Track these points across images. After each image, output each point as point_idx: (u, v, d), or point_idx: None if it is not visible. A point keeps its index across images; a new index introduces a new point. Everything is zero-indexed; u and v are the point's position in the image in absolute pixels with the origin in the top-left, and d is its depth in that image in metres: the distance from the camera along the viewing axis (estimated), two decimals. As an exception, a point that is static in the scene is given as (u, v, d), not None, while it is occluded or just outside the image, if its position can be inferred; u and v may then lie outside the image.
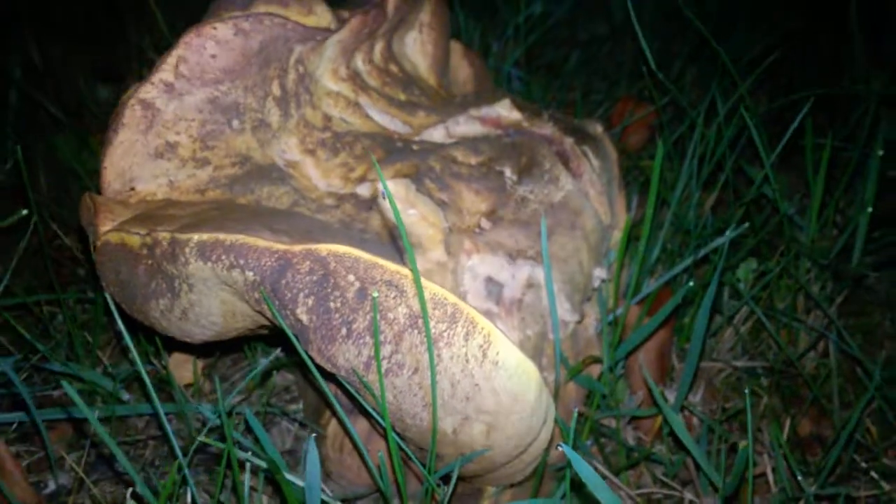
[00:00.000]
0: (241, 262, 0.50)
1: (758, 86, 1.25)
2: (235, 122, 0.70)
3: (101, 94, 1.47)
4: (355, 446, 0.66)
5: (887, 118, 0.93)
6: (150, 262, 0.55)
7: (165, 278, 0.55)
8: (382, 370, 0.50)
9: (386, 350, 0.50)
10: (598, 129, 0.82)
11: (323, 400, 0.70)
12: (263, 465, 0.60)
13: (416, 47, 0.94)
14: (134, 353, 0.57)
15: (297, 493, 0.55)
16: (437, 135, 0.80)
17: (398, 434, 0.57)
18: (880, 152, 0.80)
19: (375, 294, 0.47)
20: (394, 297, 0.49)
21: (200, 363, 0.87)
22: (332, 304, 0.49)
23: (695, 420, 0.80)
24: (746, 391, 0.60)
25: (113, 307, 0.59)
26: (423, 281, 0.48)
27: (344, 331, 0.50)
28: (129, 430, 0.83)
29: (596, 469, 0.73)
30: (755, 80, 0.85)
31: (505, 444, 0.54)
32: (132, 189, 0.68)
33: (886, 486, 0.72)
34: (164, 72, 0.65)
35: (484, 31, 1.42)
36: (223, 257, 0.50)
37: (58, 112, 1.24)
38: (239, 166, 0.71)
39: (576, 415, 0.59)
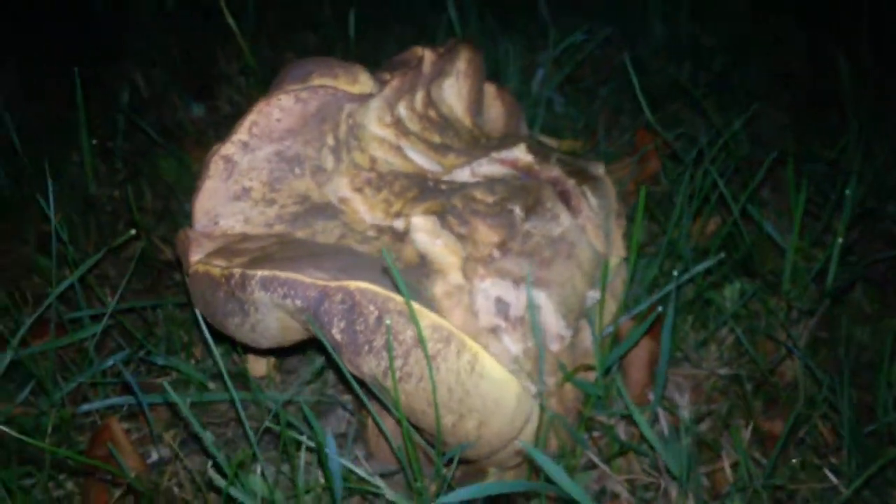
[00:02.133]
0: (292, 293, 0.65)
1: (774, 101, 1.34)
2: (297, 170, 0.86)
3: (195, 111, 1.65)
4: (383, 434, 0.81)
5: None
6: (227, 289, 0.70)
7: (237, 302, 0.70)
8: (396, 378, 0.65)
9: (398, 363, 0.64)
10: (599, 170, 0.94)
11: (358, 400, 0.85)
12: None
13: (453, 92, 1.07)
14: (216, 353, 0.73)
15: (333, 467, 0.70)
16: (463, 175, 0.94)
17: (413, 425, 0.71)
18: (847, 192, 0.90)
19: (389, 322, 0.62)
20: (403, 323, 0.63)
21: (272, 360, 1.03)
22: (357, 328, 0.64)
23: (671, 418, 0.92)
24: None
25: (201, 320, 0.75)
26: (423, 311, 0.63)
27: (367, 347, 0.64)
28: (215, 414, 1.00)
29: (590, 457, 0.86)
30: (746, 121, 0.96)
31: (493, 437, 0.68)
32: (216, 224, 0.84)
33: (835, 481, 0.83)
34: (241, 133, 0.80)
35: (525, 58, 1.54)
36: (279, 289, 0.66)
37: (158, 136, 1.42)
38: (299, 205, 0.86)
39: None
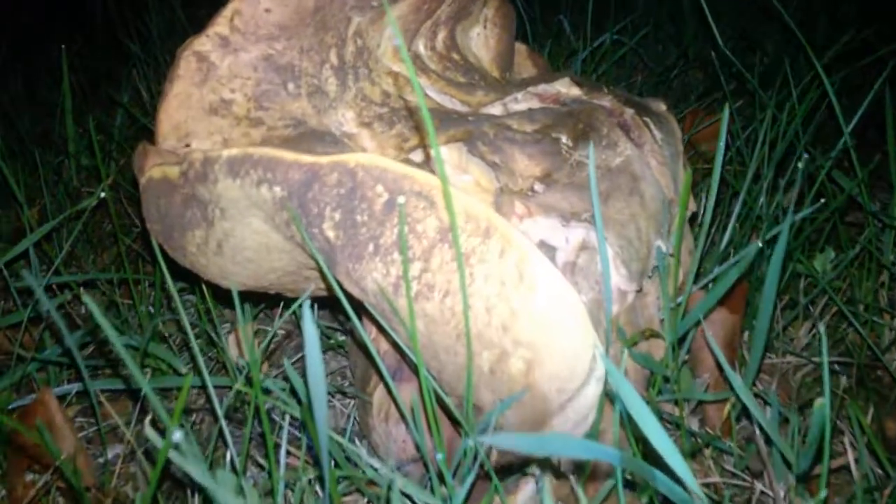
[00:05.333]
0: (269, 175, 0.45)
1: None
2: (291, 86, 0.67)
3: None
4: (397, 407, 0.60)
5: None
6: (185, 190, 0.51)
7: (199, 205, 0.50)
8: (412, 293, 0.44)
9: (415, 268, 0.44)
10: (661, 106, 0.75)
11: (368, 358, 0.64)
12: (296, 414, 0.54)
13: (480, 41, 0.89)
14: (173, 290, 0.53)
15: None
16: (494, 112, 0.75)
17: (435, 380, 0.50)
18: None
19: (402, 200, 0.42)
20: (423, 209, 0.43)
21: (258, 344, 0.82)
22: (358, 218, 0.44)
23: (768, 411, 0.70)
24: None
25: (155, 247, 0.55)
26: (455, 192, 0.42)
27: (371, 247, 0.44)
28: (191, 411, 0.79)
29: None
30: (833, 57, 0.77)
31: (547, 384, 0.46)
32: (187, 146, 0.64)
33: None
34: (219, 25, 0.62)
35: (552, 60, 1.38)
36: (251, 171, 0.46)
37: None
38: (293, 129, 0.67)
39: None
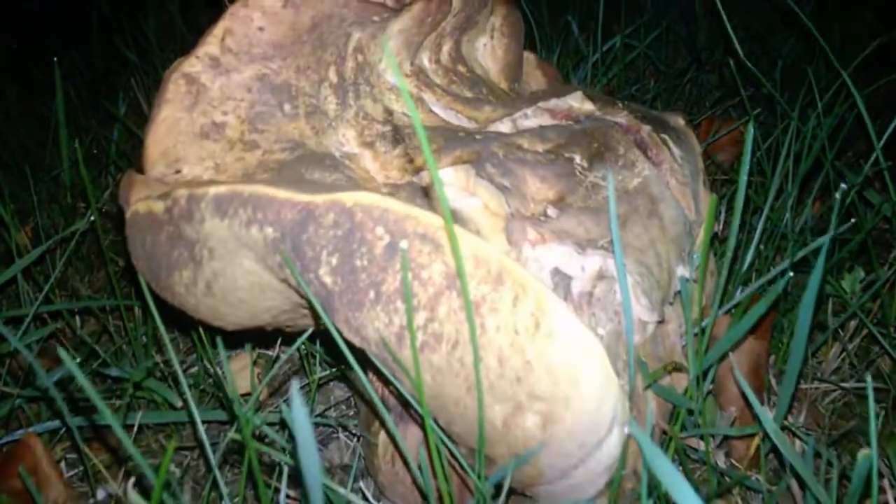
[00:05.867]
0: (260, 215, 0.41)
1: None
2: (287, 107, 0.63)
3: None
4: (401, 455, 0.56)
5: None
6: (171, 227, 0.47)
7: (186, 245, 0.46)
8: (417, 343, 0.40)
9: (420, 318, 0.40)
10: (679, 121, 0.71)
11: (370, 407, 0.60)
12: (291, 463, 0.50)
13: (487, 52, 0.85)
14: (165, 338, 0.49)
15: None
16: (503, 129, 0.71)
17: (444, 431, 0.46)
18: None
19: (405, 245, 0.37)
20: (428, 253, 0.39)
21: (257, 370, 0.79)
22: (358, 263, 0.40)
23: (798, 444, 0.66)
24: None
25: (144, 287, 0.51)
26: (462, 233, 0.38)
27: (372, 294, 0.40)
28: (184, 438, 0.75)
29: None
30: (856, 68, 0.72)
31: (566, 440, 0.42)
32: (178, 172, 0.61)
33: None
34: (210, 45, 0.58)
35: (561, 63, 1.33)
36: (240, 211, 0.42)
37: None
38: (289, 152, 0.63)
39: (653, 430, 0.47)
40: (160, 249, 0.48)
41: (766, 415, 0.54)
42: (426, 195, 0.63)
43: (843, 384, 0.70)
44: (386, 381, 0.48)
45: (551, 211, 0.61)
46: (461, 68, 0.80)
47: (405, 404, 0.57)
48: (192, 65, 0.58)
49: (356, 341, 0.42)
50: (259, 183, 0.44)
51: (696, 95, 1.23)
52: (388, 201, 0.39)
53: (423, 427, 0.51)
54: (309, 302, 0.41)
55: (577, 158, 0.63)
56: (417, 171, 0.66)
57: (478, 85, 0.78)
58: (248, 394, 0.77)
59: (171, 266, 0.48)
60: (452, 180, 0.64)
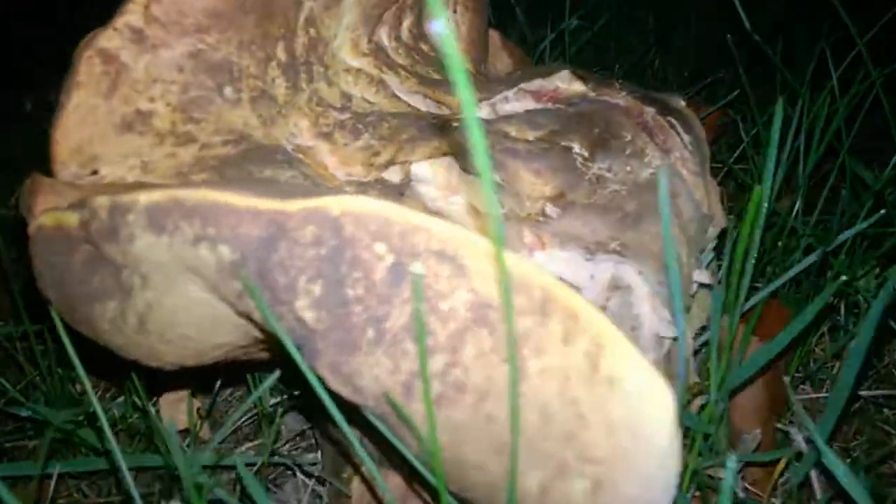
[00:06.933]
0: (211, 231, 0.30)
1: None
2: (228, 90, 0.52)
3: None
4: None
5: None
6: (88, 247, 0.35)
7: (110, 270, 0.35)
8: (432, 395, 0.30)
9: (438, 362, 0.29)
10: (681, 102, 0.62)
11: (340, 450, 0.49)
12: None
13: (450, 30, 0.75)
14: (83, 376, 0.38)
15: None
16: (481, 115, 0.61)
17: (454, 496, 0.36)
18: None
19: (418, 269, 0.27)
20: (448, 277, 0.29)
21: (196, 402, 0.67)
22: (350, 292, 0.29)
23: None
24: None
25: (58, 322, 0.40)
26: (505, 253, 0.28)
27: (371, 332, 0.30)
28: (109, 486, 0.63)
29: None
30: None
31: (619, 510, 0.33)
32: (94, 173, 0.49)
33: None
34: (131, 13, 0.46)
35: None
36: (183, 225, 0.31)
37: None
38: (233, 145, 0.52)
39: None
40: (74, 276, 0.36)
41: (820, 442, 0.46)
42: (401, 194, 0.52)
43: (860, 392, 0.63)
44: (385, 444, 0.38)
45: (551, 210, 0.51)
46: (424, 47, 0.70)
47: (387, 451, 0.47)
48: (110, 38, 0.46)
49: (345, 392, 0.32)
50: (204, 186, 0.33)
51: (660, 80, 1.16)
52: (388, 208, 0.29)
53: (430, 496, 0.41)
54: (281, 343, 0.31)
55: (576, 147, 0.54)
56: (385, 165, 0.56)
57: (444, 66, 0.68)
58: (187, 430, 0.66)
59: (90, 296, 0.36)
60: (429, 176, 0.54)
